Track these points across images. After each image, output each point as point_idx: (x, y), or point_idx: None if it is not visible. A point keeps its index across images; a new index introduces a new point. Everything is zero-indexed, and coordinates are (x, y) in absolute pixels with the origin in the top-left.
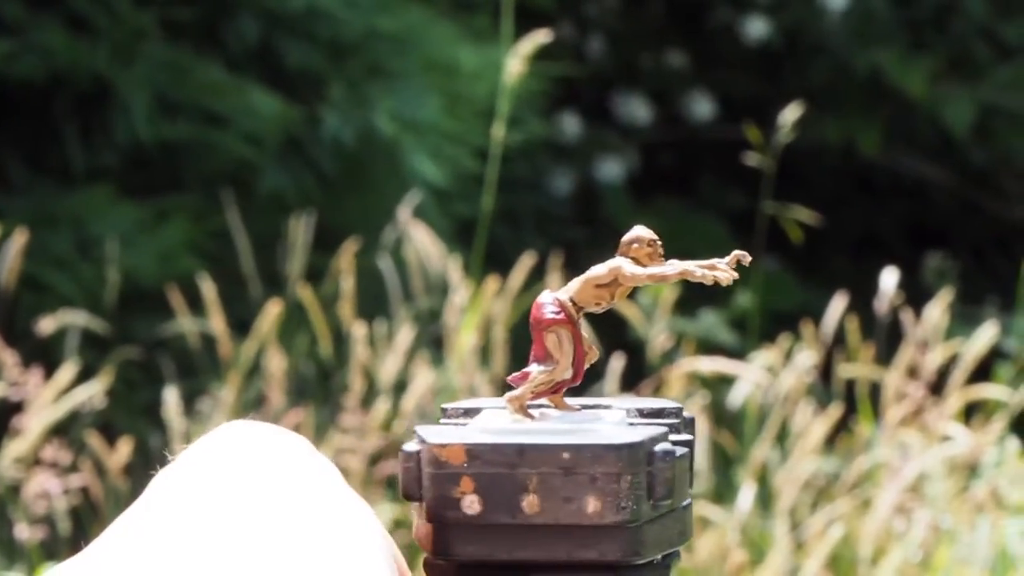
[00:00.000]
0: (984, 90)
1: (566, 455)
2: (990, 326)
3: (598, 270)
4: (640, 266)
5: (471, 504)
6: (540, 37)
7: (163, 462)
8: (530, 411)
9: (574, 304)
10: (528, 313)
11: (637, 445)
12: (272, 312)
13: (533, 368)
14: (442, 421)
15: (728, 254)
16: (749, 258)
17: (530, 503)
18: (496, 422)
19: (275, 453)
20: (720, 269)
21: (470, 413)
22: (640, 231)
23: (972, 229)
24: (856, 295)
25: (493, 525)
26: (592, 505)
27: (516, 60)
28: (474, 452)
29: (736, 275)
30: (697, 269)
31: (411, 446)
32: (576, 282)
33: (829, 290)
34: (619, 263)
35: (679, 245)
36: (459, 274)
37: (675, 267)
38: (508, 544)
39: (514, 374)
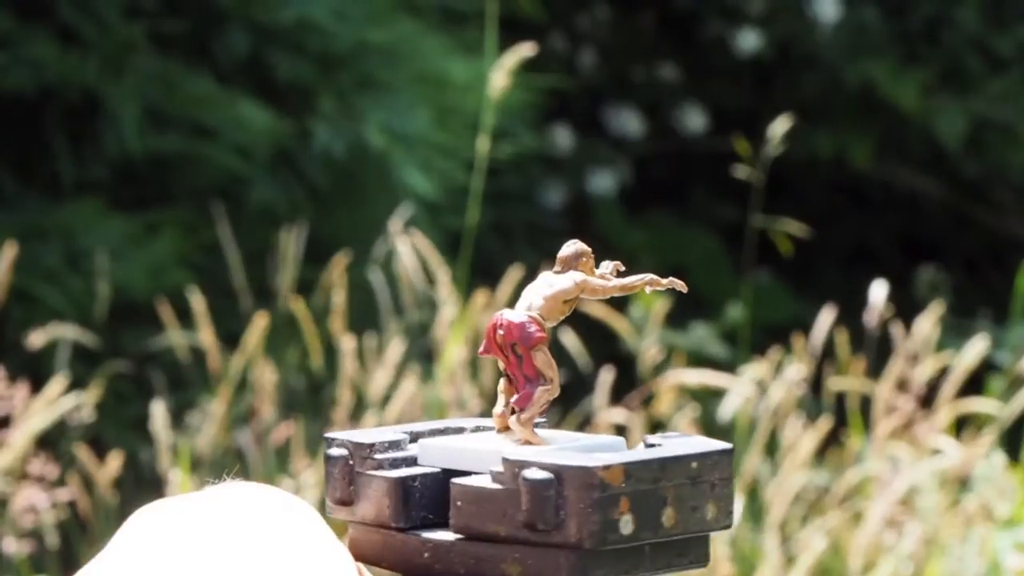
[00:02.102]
0: (976, 102)
1: (694, 464)
2: (981, 339)
3: (563, 285)
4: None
5: (627, 524)
6: (525, 50)
7: (152, 476)
8: (538, 433)
9: (543, 320)
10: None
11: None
12: (261, 325)
13: (532, 388)
14: (373, 457)
15: (720, 266)
16: (623, 268)
17: (668, 516)
18: (508, 443)
19: (253, 507)
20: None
21: (395, 447)
22: (581, 245)
23: (964, 241)
24: (848, 308)
25: (634, 546)
26: (711, 512)
27: (501, 74)
28: (631, 471)
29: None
30: (662, 279)
31: (537, 473)
32: (537, 298)
33: (821, 303)
34: (584, 277)
35: (671, 257)
36: (448, 287)
37: (642, 277)
38: (624, 562)
39: (515, 397)
